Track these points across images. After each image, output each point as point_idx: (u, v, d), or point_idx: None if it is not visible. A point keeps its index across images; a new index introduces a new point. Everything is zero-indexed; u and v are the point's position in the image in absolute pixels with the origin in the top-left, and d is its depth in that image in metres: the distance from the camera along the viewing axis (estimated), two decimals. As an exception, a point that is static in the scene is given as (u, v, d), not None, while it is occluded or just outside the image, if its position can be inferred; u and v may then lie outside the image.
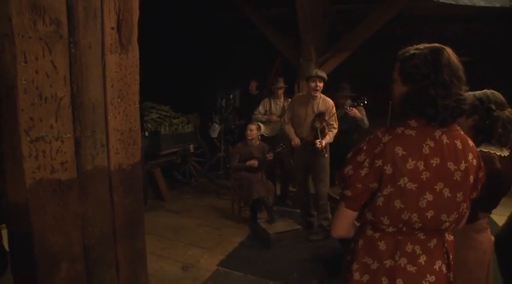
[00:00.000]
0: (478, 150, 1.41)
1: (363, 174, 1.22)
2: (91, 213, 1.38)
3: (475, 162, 1.26)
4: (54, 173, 1.23)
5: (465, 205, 1.26)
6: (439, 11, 5.13)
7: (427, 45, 1.24)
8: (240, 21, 6.24)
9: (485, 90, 1.76)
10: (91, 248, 1.40)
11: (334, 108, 3.92)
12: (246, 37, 7.08)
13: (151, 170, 5.19)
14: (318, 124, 3.81)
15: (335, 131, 3.91)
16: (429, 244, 1.26)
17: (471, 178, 1.24)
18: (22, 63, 1.11)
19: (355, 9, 5.63)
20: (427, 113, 1.20)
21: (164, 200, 5.16)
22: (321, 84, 3.83)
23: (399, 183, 1.19)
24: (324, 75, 3.84)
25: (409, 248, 1.25)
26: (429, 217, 1.21)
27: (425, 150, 1.19)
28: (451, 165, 1.21)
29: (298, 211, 4.37)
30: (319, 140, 3.71)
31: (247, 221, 4.40)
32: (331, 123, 3.89)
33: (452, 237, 1.34)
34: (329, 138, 3.84)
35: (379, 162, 1.20)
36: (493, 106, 1.69)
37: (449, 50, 1.23)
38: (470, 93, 1.75)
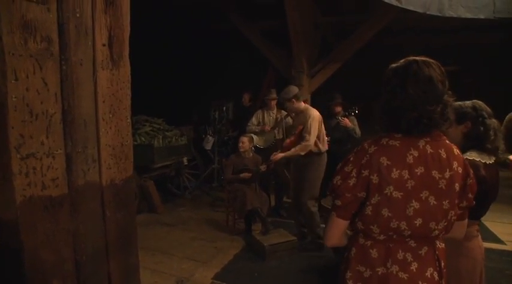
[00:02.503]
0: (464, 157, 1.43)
1: (351, 184, 1.26)
2: (83, 229, 1.37)
3: (460, 169, 1.28)
4: (45, 189, 1.23)
5: (453, 212, 1.28)
6: (427, 22, 5.24)
7: (411, 57, 1.28)
8: (232, 34, 6.31)
9: (473, 100, 1.80)
10: (83, 265, 1.39)
11: (310, 121, 3.76)
12: (239, 49, 7.14)
13: (144, 183, 5.15)
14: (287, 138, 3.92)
15: (303, 143, 3.74)
16: (420, 252, 1.28)
17: (456, 185, 1.26)
18: (12, 81, 1.12)
19: (345, 21, 5.74)
20: (393, 124, 1.26)
21: (158, 213, 5.12)
22: (287, 104, 3.92)
23: (385, 191, 1.22)
24: (280, 97, 3.99)
25: (400, 255, 1.27)
26: (418, 225, 1.23)
27: (409, 159, 1.23)
28: (435, 174, 1.23)
29: (293, 221, 4.35)
30: (275, 153, 3.91)
31: (242, 234, 4.37)
32: (304, 135, 3.77)
33: (443, 245, 1.35)
34: (292, 151, 3.78)
35: (365, 172, 1.24)
36: (485, 114, 1.72)
37: (423, 63, 1.25)
38: (458, 103, 1.79)
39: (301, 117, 3.88)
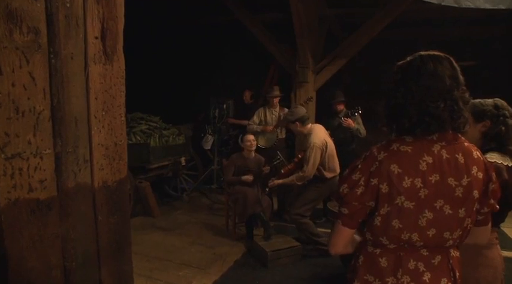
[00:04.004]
0: None
1: (358, 193, 1.25)
2: (72, 233, 1.36)
3: (480, 175, 1.25)
4: (32, 192, 1.21)
5: (469, 220, 1.26)
6: (442, 14, 5.21)
7: (419, 53, 1.27)
8: (233, 27, 6.29)
9: (495, 98, 1.78)
10: (72, 272, 1.37)
11: (311, 150, 3.68)
12: (240, 44, 7.13)
13: (139, 185, 5.15)
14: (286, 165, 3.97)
15: (301, 174, 3.74)
16: (433, 261, 1.27)
17: (475, 192, 1.24)
18: (-3, 75, 1.10)
19: (353, 13, 5.71)
20: (396, 124, 1.26)
21: (154, 217, 5.12)
22: (291, 126, 3.89)
23: (396, 201, 1.20)
24: (285, 120, 3.97)
25: (411, 265, 1.25)
26: (431, 235, 1.22)
27: (423, 166, 1.21)
28: (451, 181, 1.21)
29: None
30: (273, 178, 4.00)
31: (243, 239, 4.37)
32: (303, 164, 3.73)
33: (458, 253, 1.34)
34: (290, 179, 3.85)
35: (374, 181, 1.23)
36: (507, 114, 1.70)
37: (429, 57, 1.24)
38: (478, 100, 1.77)
39: (305, 142, 3.87)
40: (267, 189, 4.20)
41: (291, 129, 4.04)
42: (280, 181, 3.91)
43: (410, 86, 1.22)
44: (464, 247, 1.35)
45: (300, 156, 3.85)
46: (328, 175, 3.85)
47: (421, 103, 1.20)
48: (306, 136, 3.85)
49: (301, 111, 3.90)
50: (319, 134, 3.80)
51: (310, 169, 3.71)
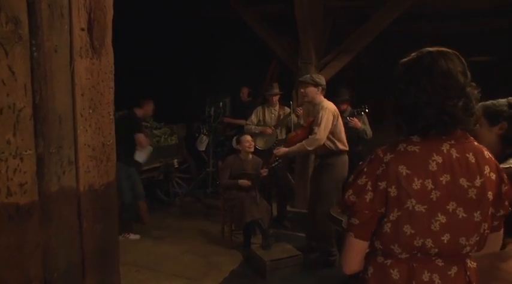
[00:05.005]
0: (507, 166, 1.41)
1: (368, 199, 1.25)
2: (55, 242, 1.35)
3: (493, 175, 1.26)
4: (11, 196, 1.20)
5: (486, 225, 1.26)
6: (454, 5, 5.21)
7: (425, 49, 1.28)
8: (230, 20, 6.29)
9: (508, 98, 1.77)
10: (54, 284, 1.36)
11: (322, 112, 3.70)
12: (238, 38, 7.12)
13: (129, 189, 5.12)
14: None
15: (311, 137, 3.68)
16: (449, 272, 1.26)
17: (490, 194, 1.25)
18: (-27, 69, 1.10)
19: (360, 5, 5.71)
20: (408, 124, 1.27)
21: (143, 223, 5.10)
22: (309, 89, 3.81)
23: (406, 205, 1.21)
24: (305, 79, 3.85)
25: (426, 276, 1.25)
26: (445, 241, 1.22)
27: (433, 166, 1.21)
28: (463, 182, 1.22)
29: (298, 234, 4.34)
30: (278, 147, 3.83)
31: (240, 247, 4.36)
32: (313, 128, 3.69)
33: (475, 264, 1.33)
34: (298, 146, 3.75)
35: (382, 184, 1.23)
36: None
37: (438, 54, 1.25)
38: (491, 101, 1.76)
39: (314, 111, 3.85)
40: (277, 160, 4.10)
41: (303, 94, 3.91)
42: (286, 149, 3.79)
43: (423, 85, 1.22)
44: (476, 259, 1.35)
45: (310, 120, 3.75)
46: (341, 146, 3.82)
47: (439, 102, 1.21)
48: (316, 105, 3.82)
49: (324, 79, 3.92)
50: (330, 102, 3.85)
51: (322, 132, 3.63)
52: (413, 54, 1.30)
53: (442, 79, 1.21)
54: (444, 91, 1.21)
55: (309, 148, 3.69)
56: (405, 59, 1.31)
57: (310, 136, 3.69)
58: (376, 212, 1.25)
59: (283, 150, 3.81)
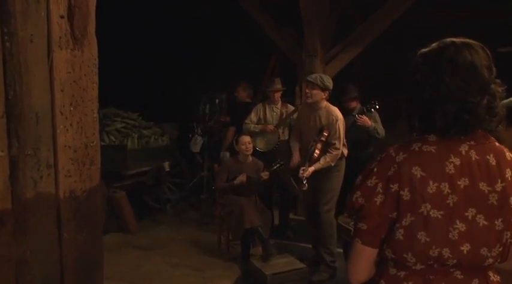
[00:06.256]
0: None
1: (378, 203, 1.24)
2: (31, 255, 1.34)
3: None
4: (-19, 204, 1.19)
5: (509, 233, 1.26)
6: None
7: (448, 39, 1.28)
8: (228, 11, 6.29)
9: None
10: (30, 302, 1.35)
11: (338, 124, 3.91)
12: (235, 30, 7.13)
13: (114, 195, 5.12)
14: (312, 147, 3.93)
15: (335, 153, 3.90)
16: None
17: None
18: None
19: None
20: (425, 122, 1.26)
21: (131, 233, 5.10)
22: (315, 91, 3.90)
23: (421, 210, 1.20)
24: (315, 80, 3.90)
25: None
26: (465, 252, 1.21)
27: (450, 169, 1.21)
28: (483, 186, 1.22)
29: (302, 244, 4.34)
30: (303, 168, 3.86)
31: (238, 259, 4.35)
32: (333, 142, 3.90)
33: (498, 277, 1.33)
34: (323, 163, 3.89)
35: (394, 187, 1.23)
36: None
37: (463, 45, 1.24)
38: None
39: (320, 116, 3.96)
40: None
41: (308, 92, 4.00)
42: (313, 167, 3.90)
43: (443, 79, 1.22)
44: (499, 272, 1.34)
45: (326, 133, 3.92)
46: (345, 152, 4.06)
47: (459, 99, 1.20)
48: (322, 109, 3.97)
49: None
50: (338, 111, 4.04)
51: (341, 144, 3.93)
52: (434, 44, 1.30)
53: (465, 73, 1.21)
54: (466, 86, 1.20)
55: (333, 164, 3.92)
56: (425, 49, 1.30)
57: (331, 151, 3.90)
58: (386, 217, 1.25)
59: (311, 169, 3.91)
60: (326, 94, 3.95)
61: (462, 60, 1.21)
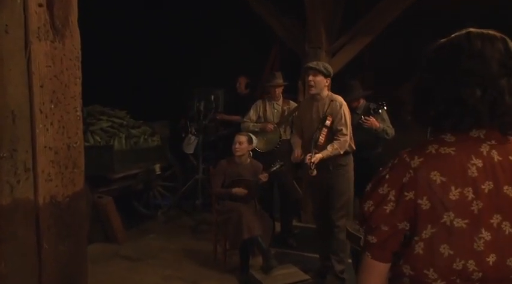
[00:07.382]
0: None
1: (387, 211, 1.24)
2: (5, 268, 1.33)
3: None
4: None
5: None
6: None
7: (471, 28, 1.27)
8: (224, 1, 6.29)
9: None
10: (6, 320, 1.35)
11: (342, 109, 3.97)
12: (233, 20, 7.12)
13: (99, 201, 5.12)
14: (316, 134, 3.96)
15: (342, 139, 3.93)
16: None
17: None
18: None
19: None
20: (417, 109, 1.30)
21: (118, 243, 5.10)
22: (318, 78, 3.94)
23: (443, 220, 1.19)
24: (317, 66, 3.94)
25: None
26: (491, 263, 1.20)
27: (473, 172, 1.20)
28: (508, 190, 1.21)
29: (306, 254, 4.34)
30: (310, 154, 3.85)
31: (236, 271, 4.35)
32: (339, 128, 3.94)
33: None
34: (331, 150, 3.90)
35: (410, 195, 1.22)
36: None
37: (478, 35, 1.24)
38: None
39: (324, 105, 4.00)
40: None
41: (311, 80, 4.02)
42: (320, 155, 3.89)
43: (444, 66, 1.23)
44: None
45: (330, 120, 3.97)
46: (353, 145, 4.09)
47: (452, 87, 1.21)
48: (324, 98, 4.03)
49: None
50: (341, 99, 4.10)
51: (348, 131, 3.98)
52: (455, 34, 1.30)
53: (468, 61, 1.21)
54: (465, 76, 1.20)
55: (342, 152, 3.94)
56: (443, 40, 1.31)
57: (338, 138, 3.93)
58: (396, 228, 1.24)
59: (318, 156, 3.90)
60: (328, 82, 4.02)
61: (470, 48, 1.22)
